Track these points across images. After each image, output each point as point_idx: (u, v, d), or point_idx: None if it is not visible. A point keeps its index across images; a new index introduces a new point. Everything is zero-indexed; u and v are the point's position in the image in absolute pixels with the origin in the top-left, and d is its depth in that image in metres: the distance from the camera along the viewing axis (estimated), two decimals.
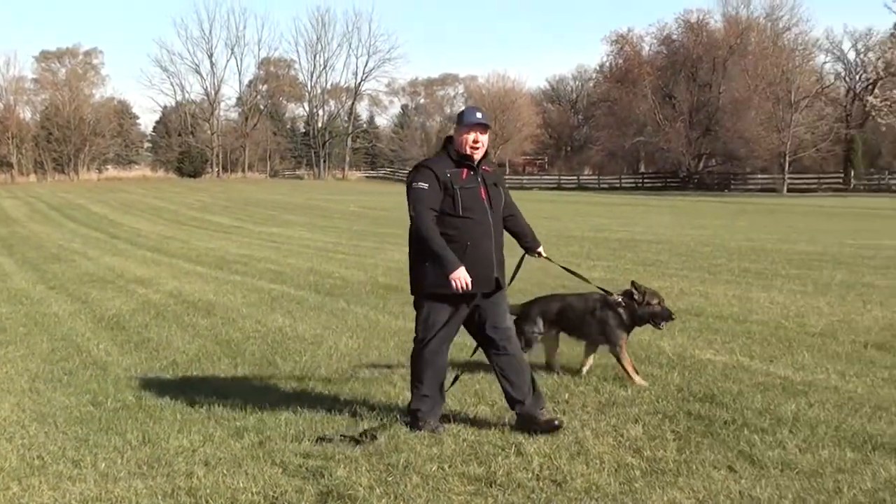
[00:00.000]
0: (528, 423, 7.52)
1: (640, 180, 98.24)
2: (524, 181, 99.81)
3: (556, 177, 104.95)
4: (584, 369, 9.68)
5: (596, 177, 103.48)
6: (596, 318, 9.49)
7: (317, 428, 7.82)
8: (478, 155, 7.65)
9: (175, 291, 17.59)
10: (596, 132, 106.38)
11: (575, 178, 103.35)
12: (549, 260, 8.81)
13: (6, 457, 7.35)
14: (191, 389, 9.46)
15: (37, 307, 16.19)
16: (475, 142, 7.61)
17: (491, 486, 6.33)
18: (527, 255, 8.66)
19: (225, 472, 6.70)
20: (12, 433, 8.11)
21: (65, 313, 15.35)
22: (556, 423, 7.54)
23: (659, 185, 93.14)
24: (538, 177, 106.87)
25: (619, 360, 9.35)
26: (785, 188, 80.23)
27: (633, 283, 9.57)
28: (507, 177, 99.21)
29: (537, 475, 6.54)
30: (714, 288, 16.32)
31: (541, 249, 8.61)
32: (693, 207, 54.31)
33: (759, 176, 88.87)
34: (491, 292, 7.71)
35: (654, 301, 9.40)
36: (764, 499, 5.96)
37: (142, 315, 14.79)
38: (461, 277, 7.43)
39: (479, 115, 7.73)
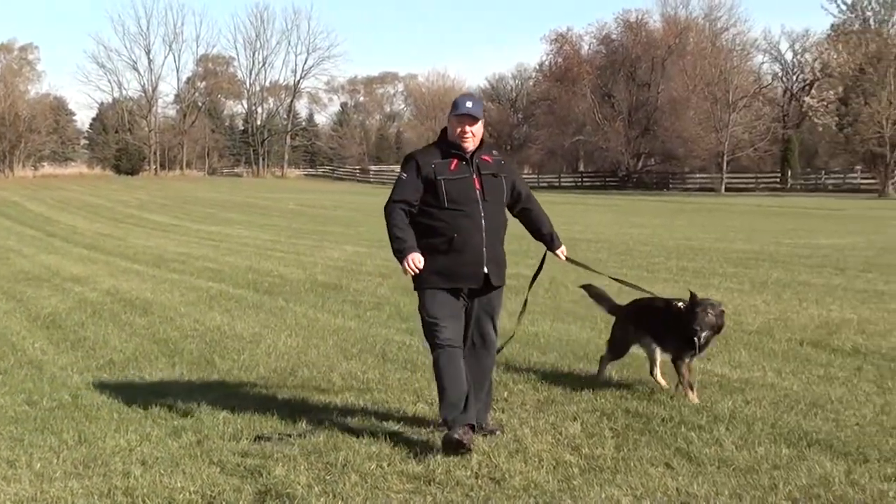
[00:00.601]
0: (445, 436, 6.98)
1: (580, 179, 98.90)
2: None
3: None
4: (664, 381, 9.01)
5: (535, 175, 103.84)
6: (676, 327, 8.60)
7: (255, 427, 7.78)
8: (469, 145, 7.33)
9: (112, 290, 17.41)
10: (535, 131, 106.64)
11: None
12: (574, 262, 8.52)
13: None
14: (128, 388, 9.40)
15: None
16: (463, 133, 7.29)
17: (430, 485, 6.33)
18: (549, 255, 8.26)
19: (162, 471, 6.63)
20: None
21: None
22: (466, 446, 6.86)
23: (598, 184, 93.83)
24: None
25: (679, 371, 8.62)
26: (723, 187, 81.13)
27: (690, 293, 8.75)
28: None
29: (476, 473, 6.55)
30: (652, 286, 16.22)
31: (561, 251, 8.18)
32: (632, 206, 54.77)
33: (698, 175, 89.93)
34: (480, 289, 7.41)
35: (700, 310, 8.40)
36: (701, 495, 6.01)
37: (78, 313, 14.63)
38: (411, 259, 7.13)
39: (469, 104, 7.36)
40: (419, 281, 7.37)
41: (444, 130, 7.47)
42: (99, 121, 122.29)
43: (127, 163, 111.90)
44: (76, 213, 46.76)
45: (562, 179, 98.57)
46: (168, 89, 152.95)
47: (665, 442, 7.17)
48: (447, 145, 7.41)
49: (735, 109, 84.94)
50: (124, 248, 27.34)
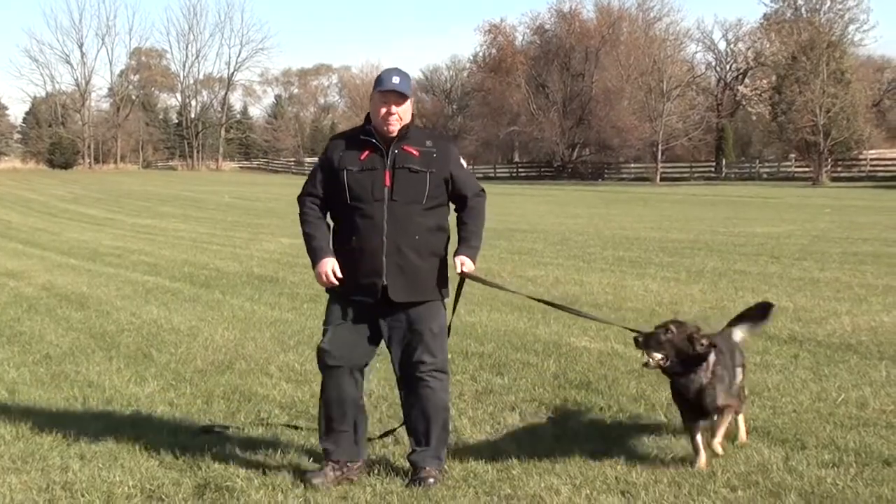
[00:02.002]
0: (414, 472, 6.27)
1: (515, 170, 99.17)
2: None
3: None
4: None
5: (471, 166, 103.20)
6: None
7: (193, 420, 7.78)
8: (394, 128, 6.26)
9: (47, 284, 17.22)
10: (470, 122, 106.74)
11: None
12: (473, 278, 6.57)
13: None
14: (65, 383, 9.31)
15: None
16: (388, 114, 6.24)
17: (370, 476, 6.34)
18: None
19: (101, 465, 6.59)
20: None
21: None
22: (431, 480, 6.14)
23: (534, 174, 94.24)
24: None
25: None
26: (658, 177, 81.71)
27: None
28: None
29: None
30: (589, 276, 16.59)
31: (459, 260, 6.43)
32: (567, 197, 55.15)
33: (633, 165, 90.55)
34: (391, 306, 6.28)
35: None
36: (640, 483, 6.07)
37: (13, 308, 14.44)
38: (324, 272, 6.26)
39: (395, 79, 6.29)
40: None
41: (368, 115, 6.44)
42: (32, 115, 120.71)
43: (61, 157, 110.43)
44: (10, 207, 46.08)
45: (497, 170, 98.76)
46: (101, 83, 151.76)
47: (603, 431, 7.25)
48: (364, 131, 6.39)
49: (669, 99, 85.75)
50: (59, 242, 27.04)
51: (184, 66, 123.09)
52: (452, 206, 6.58)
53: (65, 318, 13.48)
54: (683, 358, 6.35)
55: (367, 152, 6.30)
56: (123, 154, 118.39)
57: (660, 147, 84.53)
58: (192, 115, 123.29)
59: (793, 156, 79.73)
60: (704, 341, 6.35)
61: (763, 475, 6.13)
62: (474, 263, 6.45)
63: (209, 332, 11.90)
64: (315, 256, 6.37)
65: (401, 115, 6.28)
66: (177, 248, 23.48)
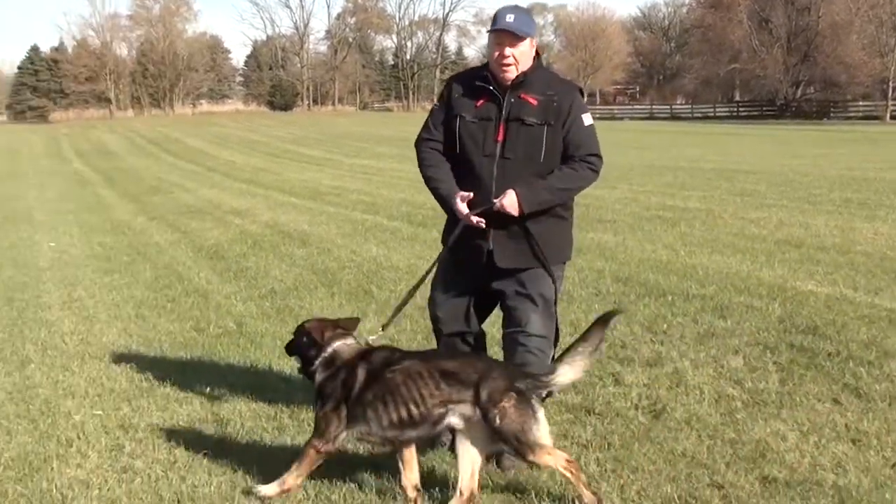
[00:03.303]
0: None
1: (735, 109, 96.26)
2: (615, 111, 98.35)
3: (648, 106, 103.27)
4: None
5: (689, 106, 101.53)
6: None
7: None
8: (509, 74, 5.59)
9: (271, 222, 17.75)
10: (689, 60, 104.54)
11: (668, 107, 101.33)
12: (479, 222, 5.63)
13: (116, 379, 7.58)
14: (290, 317, 9.57)
15: (139, 237, 16.46)
16: (502, 56, 5.56)
17: (590, 415, 6.33)
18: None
19: None
20: (120, 357, 8.31)
21: (166, 243, 15.59)
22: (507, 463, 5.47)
23: (755, 113, 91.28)
24: (630, 107, 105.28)
25: None
26: (888, 115, 77.88)
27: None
28: (596, 107, 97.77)
29: (636, 405, 6.53)
30: (814, 218, 16.00)
31: (501, 201, 5.56)
32: (791, 136, 53.27)
33: (861, 103, 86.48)
34: (498, 270, 5.75)
35: None
36: (871, 432, 5.86)
37: (240, 245, 14.96)
38: (462, 211, 5.64)
39: (510, 17, 5.53)
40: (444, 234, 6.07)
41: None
42: (253, 58, 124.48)
43: (280, 99, 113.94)
44: (234, 148, 47.73)
45: (717, 110, 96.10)
46: (319, 25, 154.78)
47: (832, 377, 7.01)
48: (481, 76, 5.74)
49: None
50: (281, 181, 27.82)
51: (399, 7, 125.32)
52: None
53: (288, 255, 13.87)
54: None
55: (482, 100, 5.67)
56: (341, 96, 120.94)
57: (891, 84, 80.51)
58: (408, 57, 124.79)
59: None
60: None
61: None
62: (523, 209, 5.55)
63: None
64: (445, 199, 5.77)
65: (517, 59, 5.56)
66: (394, 188, 23.80)
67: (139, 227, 17.88)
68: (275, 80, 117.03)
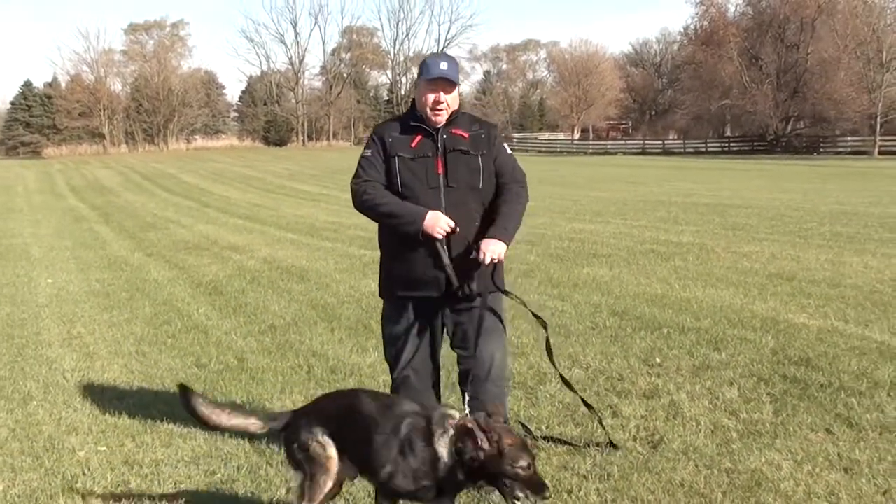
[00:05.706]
0: None
1: (727, 144, 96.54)
2: (608, 146, 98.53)
3: (641, 141, 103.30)
4: None
5: (681, 141, 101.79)
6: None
7: None
8: (441, 118, 5.89)
9: (269, 258, 17.85)
10: (681, 96, 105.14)
11: (660, 142, 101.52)
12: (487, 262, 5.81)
13: (119, 415, 7.66)
14: (290, 352, 9.70)
15: (137, 273, 16.53)
16: (437, 102, 5.86)
17: (588, 447, 6.43)
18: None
19: None
20: (123, 393, 8.42)
21: (164, 279, 15.67)
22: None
23: (746, 148, 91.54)
24: (622, 142, 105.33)
25: None
26: (876, 150, 78.21)
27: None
28: (589, 142, 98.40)
29: (634, 436, 6.65)
30: (805, 252, 16.17)
31: (485, 248, 5.78)
32: (781, 171, 53.49)
33: (850, 138, 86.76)
34: (453, 300, 5.98)
35: None
36: (863, 461, 5.99)
37: (238, 280, 15.06)
38: (435, 224, 5.74)
39: (443, 65, 5.89)
40: (381, 288, 6.41)
41: (414, 102, 6.06)
42: (248, 93, 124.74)
43: (275, 134, 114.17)
44: (229, 183, 47.84)
45: (708, 145, 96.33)
46: (314, 61, 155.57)
47: (824, 407, 7.15)
48: (412, 118, 6.00)
49: (889, 69, 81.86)
50: (277, 217, 27.90)
51: (394, 43, 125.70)
52: None
53: (287, 291, 13.97)
54: None
55: (417, 138, 5.91)
56: (335, 131, 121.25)
57: (878, 119, 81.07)
58: (403, 92, 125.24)
59: None
60: None
61: None
62: (507, 246, 5.86)
63: None
64: (413, 215, 5.80)
65: (449, 104, 5.90)
66: None
67: (137, 263, 17.95)
68: (269, 116, 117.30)
